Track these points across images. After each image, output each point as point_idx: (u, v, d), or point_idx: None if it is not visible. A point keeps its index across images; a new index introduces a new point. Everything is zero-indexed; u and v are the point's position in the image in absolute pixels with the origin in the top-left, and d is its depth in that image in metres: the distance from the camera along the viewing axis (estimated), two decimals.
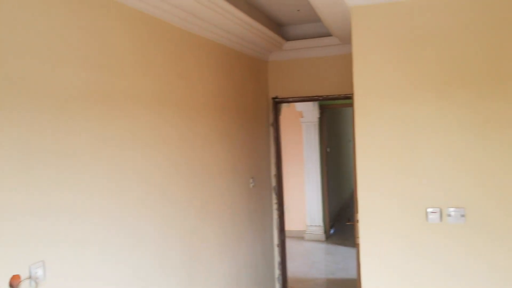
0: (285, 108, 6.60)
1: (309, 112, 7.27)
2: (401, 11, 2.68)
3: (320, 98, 4.69)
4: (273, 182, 4.72)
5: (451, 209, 2.59)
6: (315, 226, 7.34)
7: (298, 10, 4.04)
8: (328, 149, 7.91)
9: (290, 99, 4.76)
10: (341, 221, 8.57)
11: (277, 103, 4.80)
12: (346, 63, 4.43)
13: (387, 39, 2.71)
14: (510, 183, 2.50)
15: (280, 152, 4.82)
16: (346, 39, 4.12)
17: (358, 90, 2.77)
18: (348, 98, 4.57)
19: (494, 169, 2.53)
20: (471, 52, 2.56)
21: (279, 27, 4.59)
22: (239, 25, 3.46)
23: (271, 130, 4.73)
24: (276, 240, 4.71)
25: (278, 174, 4.74)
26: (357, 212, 2.85)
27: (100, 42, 2.13)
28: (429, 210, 2.63)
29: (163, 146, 2.68)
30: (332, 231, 7.84)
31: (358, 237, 2.87)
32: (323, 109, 7.49)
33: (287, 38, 4.61)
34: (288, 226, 7.01)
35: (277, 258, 4.73)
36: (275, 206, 4.70)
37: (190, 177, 3.01)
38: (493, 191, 2.53)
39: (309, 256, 6.51)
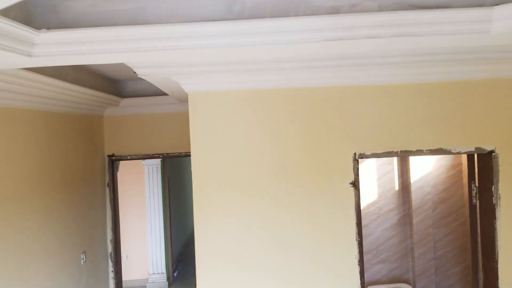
0: None
1: None
2: (233, 99, 2.71)
3: (160, 156, 4.54)
4: (110, 248, 4.36)
5: None
6: (158, 274, 7.06)
7: (134, 72, 3.82)
8: (171, 188, 7.74)
9: (129, 157, 4.49)
10: (185, 259, 8.45)
11: (114, 161, 4.48)
12: (186, 120, 4.36)
13: (222, 122, 2.72)
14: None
15: (117, 215, 4.50)
16: (184, 99, 4.05)
17: (196, 179, 2.71)
18: (188, 156, 4.51)
19: (321, 255, 2.71)
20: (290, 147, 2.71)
21: (115, 82, 4.31)
22: (65, 94, 3.12)
23: (107, 191, 4.39)
24: None
25: (115, 238, 4.41)
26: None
27: None
28: None
29: None
30: (175, 273, 7.66)
31: None
32: None
33: (125, 94, 4.36)
34: (128, 276, 6.61)
35: None
36: (111, 275, 4.34)
37: None
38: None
39: None
